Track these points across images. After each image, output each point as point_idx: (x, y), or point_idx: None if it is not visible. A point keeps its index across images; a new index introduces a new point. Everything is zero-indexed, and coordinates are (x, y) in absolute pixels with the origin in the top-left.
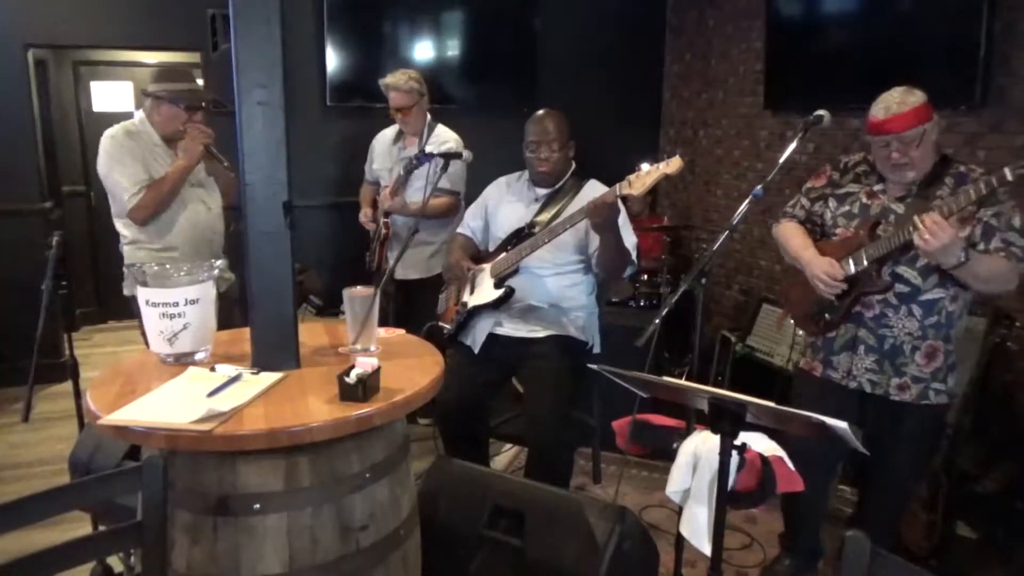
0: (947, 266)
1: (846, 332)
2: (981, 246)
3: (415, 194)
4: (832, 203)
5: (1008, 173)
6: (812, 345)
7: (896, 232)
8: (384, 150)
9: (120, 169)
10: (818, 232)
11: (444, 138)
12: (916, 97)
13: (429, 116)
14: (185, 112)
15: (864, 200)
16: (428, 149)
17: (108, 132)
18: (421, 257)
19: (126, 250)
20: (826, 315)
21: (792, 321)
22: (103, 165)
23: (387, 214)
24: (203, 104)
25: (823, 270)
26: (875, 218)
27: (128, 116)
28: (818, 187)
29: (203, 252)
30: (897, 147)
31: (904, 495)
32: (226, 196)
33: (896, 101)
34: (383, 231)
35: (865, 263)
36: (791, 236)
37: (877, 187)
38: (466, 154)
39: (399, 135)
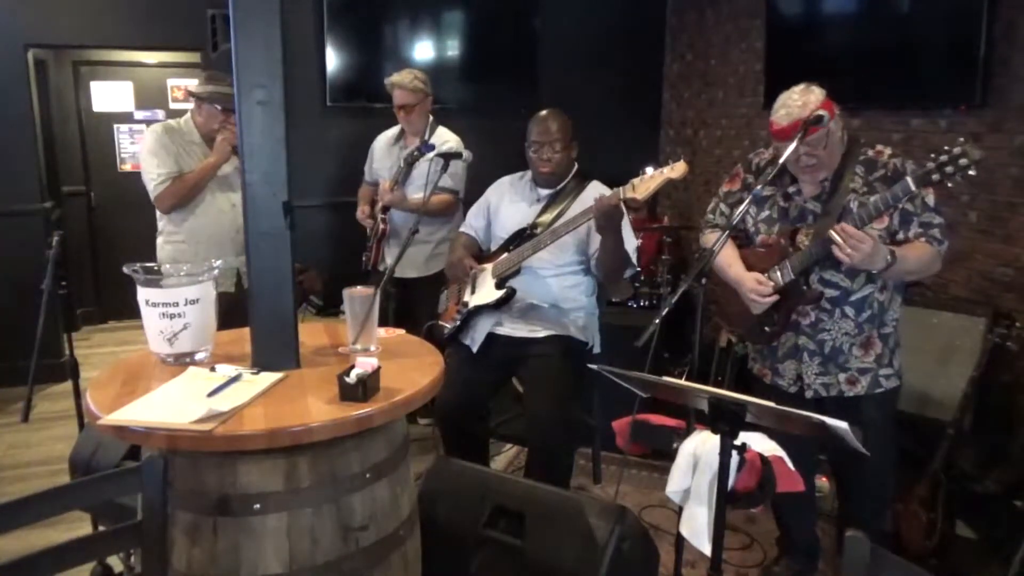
0: (875, 270)
1: (787, 340)
2: (901, 234)
3: (415, 192)
4: (751, 208)
5: (911, 183)
6: (760, 352)
7: (814, 243)
8: (384, 150)
9: (151, 160)
10: (742, 237)
11: (445, 138)
12: (815, 96)
13: (431, 117)
14: (222, 113)
15: (781, 203)
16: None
17: (151, 127)
18: (418, 256)
19: (158, 242)
20: (764, 328)
21: (734, 336)
22: (140, 156)
23: (385, 210)
24: None
25: (752, 288)
26: (794, 223)
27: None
28: (735, 191)
29: (224, 247)
30: (804, 151)
31: (881, 485)
32: None
33: (797, 104)
34: (381, 227)
35: (792, 275)
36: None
37: (791, 188)
38: (466, 154)
39: (399, 136)
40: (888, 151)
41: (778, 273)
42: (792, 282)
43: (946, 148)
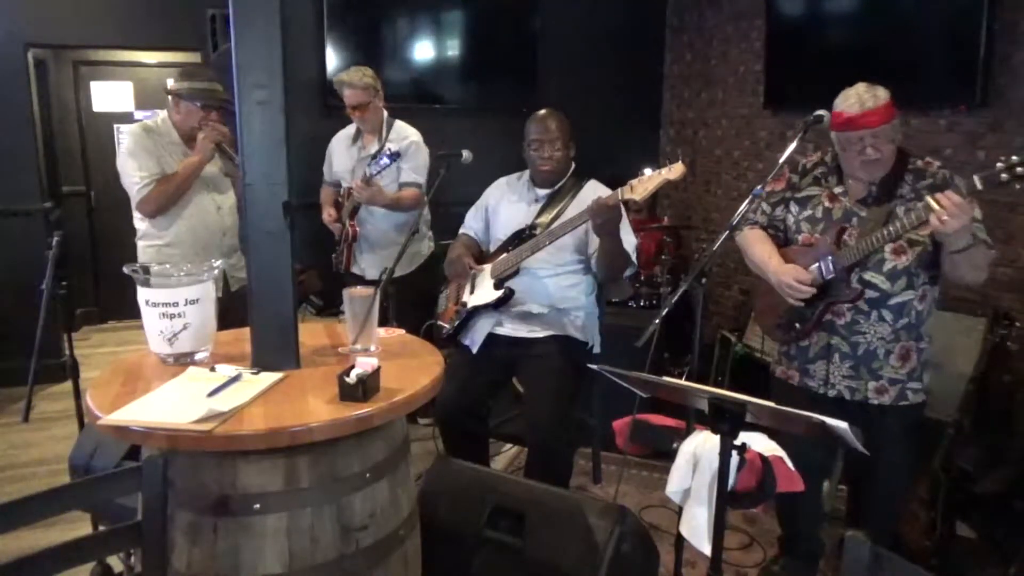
0: (955, 248)
1: (820, 340)
2: None
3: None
4: (794, 207)
5: (977, 182)
6: (786, 354)
7: (865, 239)
8: (343, 151)
9: (132, 163)
10: (781, 238)
11: (404, 134)
12: (884, 92)
13: (386, 113)
14: (202, 110)
15: (826, 204)
16: (391, 147)
17: (127, 128)
18: (395, 255)
19: (138, 246)
20: (796, 324)
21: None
22: (119, 159)
23: (354, 214)
24: (220, 104)
25: (791, 276)
26: (839, 223)
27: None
28: (778, 191)
29: (210, 250)
30: (872, 142)
31: (896, 494)
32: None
33: (869, 96)
34: (350, 232)
35: (835, 271)
36: (754, 243)
37: (837, 189)
38: (466, 154)
39: (357, 134)
40: (936, 163)
41: (820, 268)
42: (834, 278)
43: (1013, 156)
